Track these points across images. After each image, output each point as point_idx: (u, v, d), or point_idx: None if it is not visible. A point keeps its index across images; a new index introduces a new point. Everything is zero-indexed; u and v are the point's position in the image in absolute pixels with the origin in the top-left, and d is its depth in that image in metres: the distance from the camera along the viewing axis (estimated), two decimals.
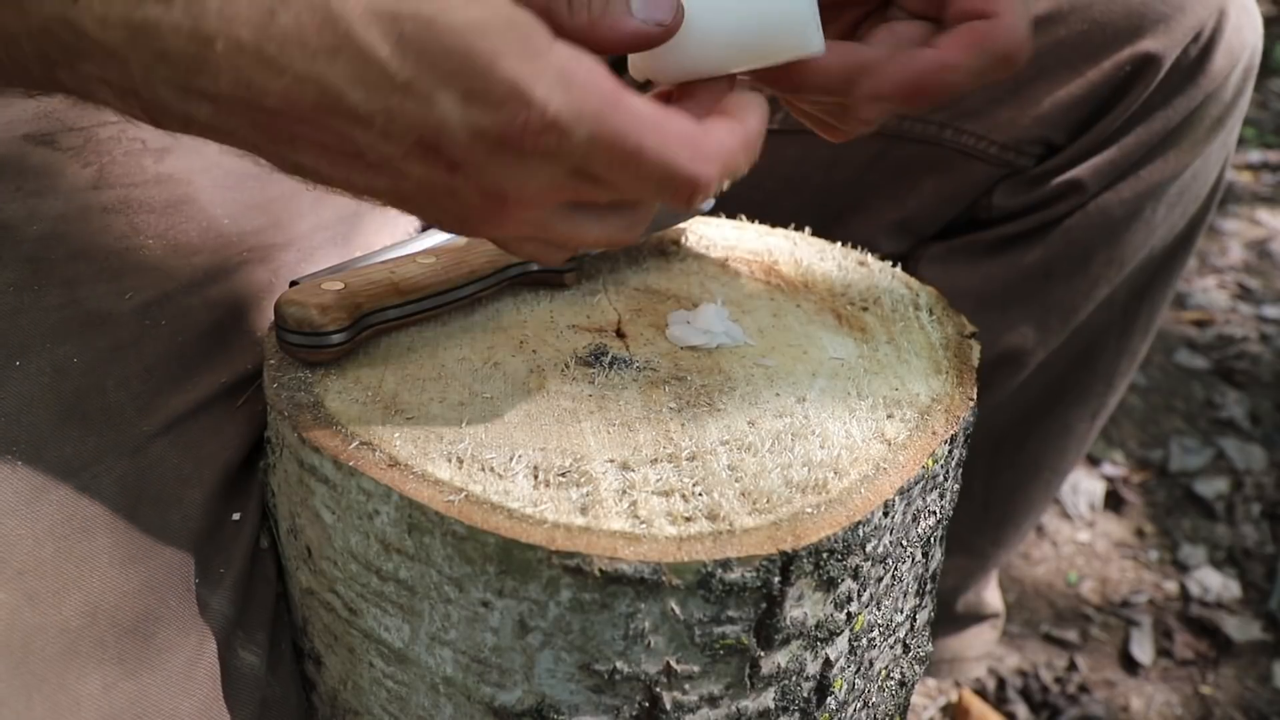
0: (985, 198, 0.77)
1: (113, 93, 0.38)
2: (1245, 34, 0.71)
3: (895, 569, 0.49)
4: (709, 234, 0.67)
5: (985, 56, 0.47)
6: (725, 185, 0.41)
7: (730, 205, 0.66)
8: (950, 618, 1.03)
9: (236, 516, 0.52)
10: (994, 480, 0.91)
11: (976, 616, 1.05)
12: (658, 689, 0.45)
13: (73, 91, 0.39)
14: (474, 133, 0.36)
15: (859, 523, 0.44)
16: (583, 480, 0.44)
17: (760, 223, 0.69)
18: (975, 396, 0.53)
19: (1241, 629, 1.19)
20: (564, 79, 0.36)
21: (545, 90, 0.35)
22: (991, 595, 1.05)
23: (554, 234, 0.42)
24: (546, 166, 0.37)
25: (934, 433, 0.49)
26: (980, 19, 0.47)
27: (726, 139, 0.40)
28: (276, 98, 0.35)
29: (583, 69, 0.36)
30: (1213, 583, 1.26)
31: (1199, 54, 0.69)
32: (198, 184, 0.60)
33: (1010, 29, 0.47)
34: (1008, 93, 0.72)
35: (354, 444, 0.46)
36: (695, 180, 0.38)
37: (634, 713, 0.45)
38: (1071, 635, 1.20)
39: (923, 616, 0.56)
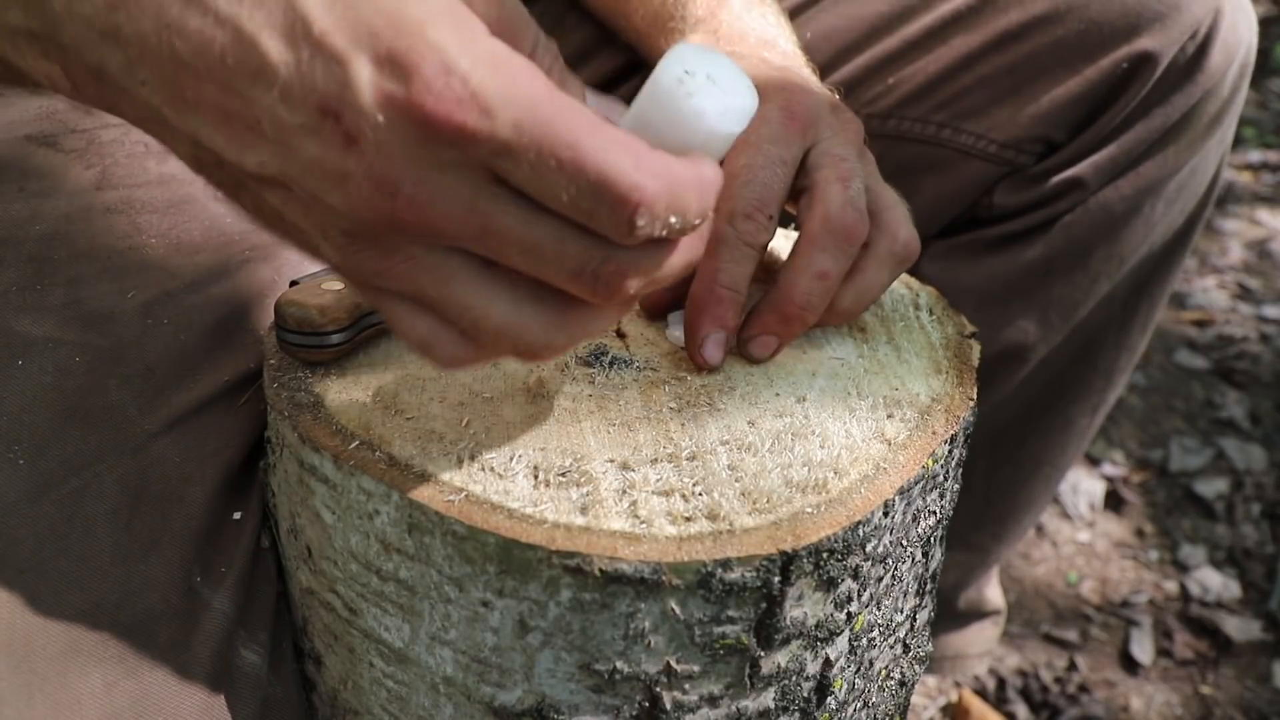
0: (986, 196, 0.77)
1: (35, 47, 0.35)
2: (1241, 32, 0.72)
3: (895, 569, 0.49)
4: None
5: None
6: (673, 225, 0.35)
7: None
8: (952, 614, 1.03)
9: (238, 515, 0.52)
10: (995, 476, 0.91)
11: (978, 613, 1.05)
12: (658, 689, 0.45)
13: (3, 59, 0.37)
14: (382, 97, 0.31)
15: (859, 523, 0.44)
16: (583, 480, 0.45)
17: None
18: (975, 396, 0.53)
19: (1241, 629, 1.19)
20: (495, 61, 0.32)
21: (470, 64, 0.31)
22: (993, 592, 1.06)
23: (449, 302, 0.36)
24: (457, 161, 0.33)
25: (934, 432, 0.49)
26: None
27: (676, 164, 0.35)
28: (190, 42, 0.32)
29: (519, 61, 0.33)
30: (1213, 583, 1.26)
31: (1196, 52, 0.70)
32: (200, 184, 0.60)
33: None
34: (1007, 92, 0.73)
35: (354, 444, 0.46)
36: (636, 191, 0.33)
37: (634, 712, 0.45)
38: (1071, 635, 1.20)
39: (923, 616, 0.56)
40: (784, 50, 0.63)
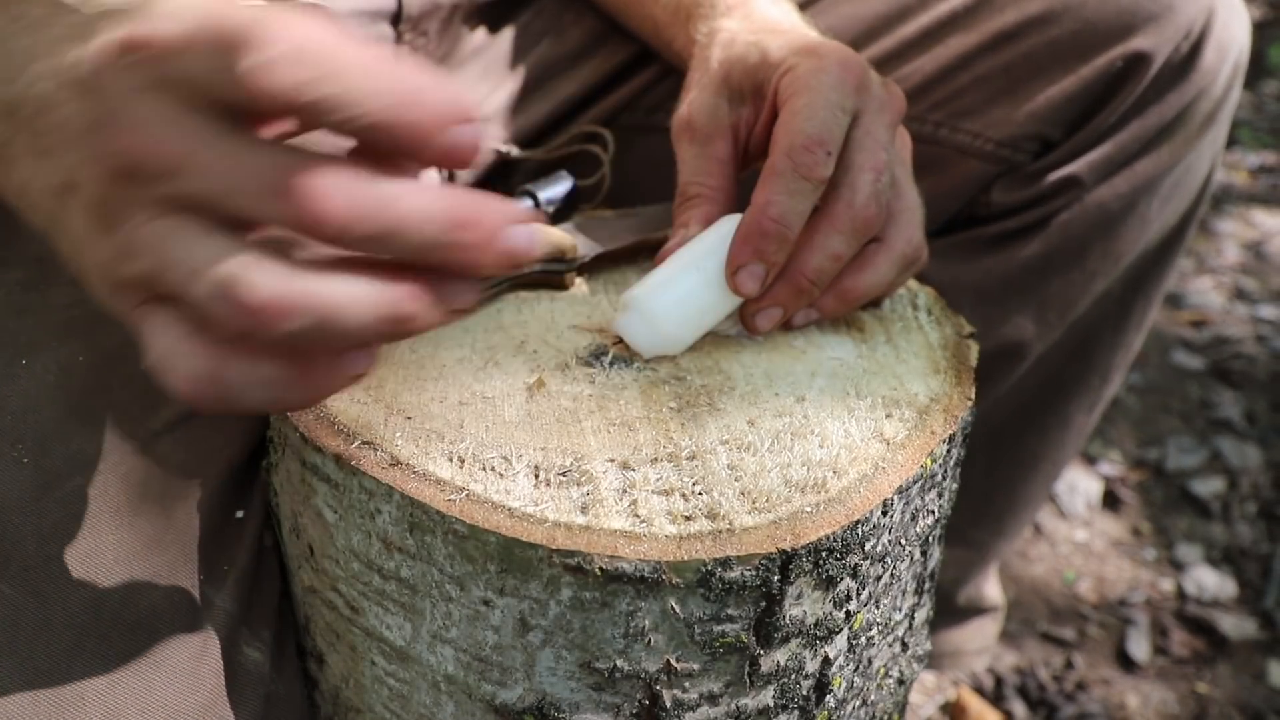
0: (983, 194, 0.77)
1: None
2: (1234, 31, 0.72)
3: (894, 568, 0.49)
4: None
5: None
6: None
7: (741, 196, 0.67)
8: (951, 611, 1.03)
9: (240, 514, 0.52)
10: (993, 472, 0.91)
11: (977, 609, 1.05)
12: (658, 687, 0.45)
13: None
14: (101, 45, 0.33)
15: (858, 522, 0.44)
16: (583, 479, 0.45)
17: None
18: (973, 396, 0.53)
19: (1237, 627, 1.20)
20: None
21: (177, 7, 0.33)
22: (992, 588, 1.06)
23: (171, 264, 0.34)
24: (158, 79, 0.33)
25: (932, 432, 0.49)
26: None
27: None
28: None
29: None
30: (1209, 581, 1.26)
31: (1189, 51, 0.70)
32: None
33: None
34: (1003, 91, 0.73)
35: (355, 443, 0.46)
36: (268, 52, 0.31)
37: (634, 710, 0.45)
38: (1068, 634, 1.20)
39: (921, 615, 0.56)
40: (816, 34, 0.63)
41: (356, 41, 0.33)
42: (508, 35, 0.78)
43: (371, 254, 0.35)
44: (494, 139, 0.75)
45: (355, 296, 0.34)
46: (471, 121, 0.35)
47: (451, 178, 0.74)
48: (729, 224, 0.53)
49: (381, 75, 0.33)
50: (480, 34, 0.78)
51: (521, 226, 0.36)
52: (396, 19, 0.72)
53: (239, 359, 0.35)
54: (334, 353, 0.37)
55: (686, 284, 0.52)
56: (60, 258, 0.38)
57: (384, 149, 0.34)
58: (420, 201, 0.34)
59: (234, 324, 0.33)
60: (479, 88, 0.76)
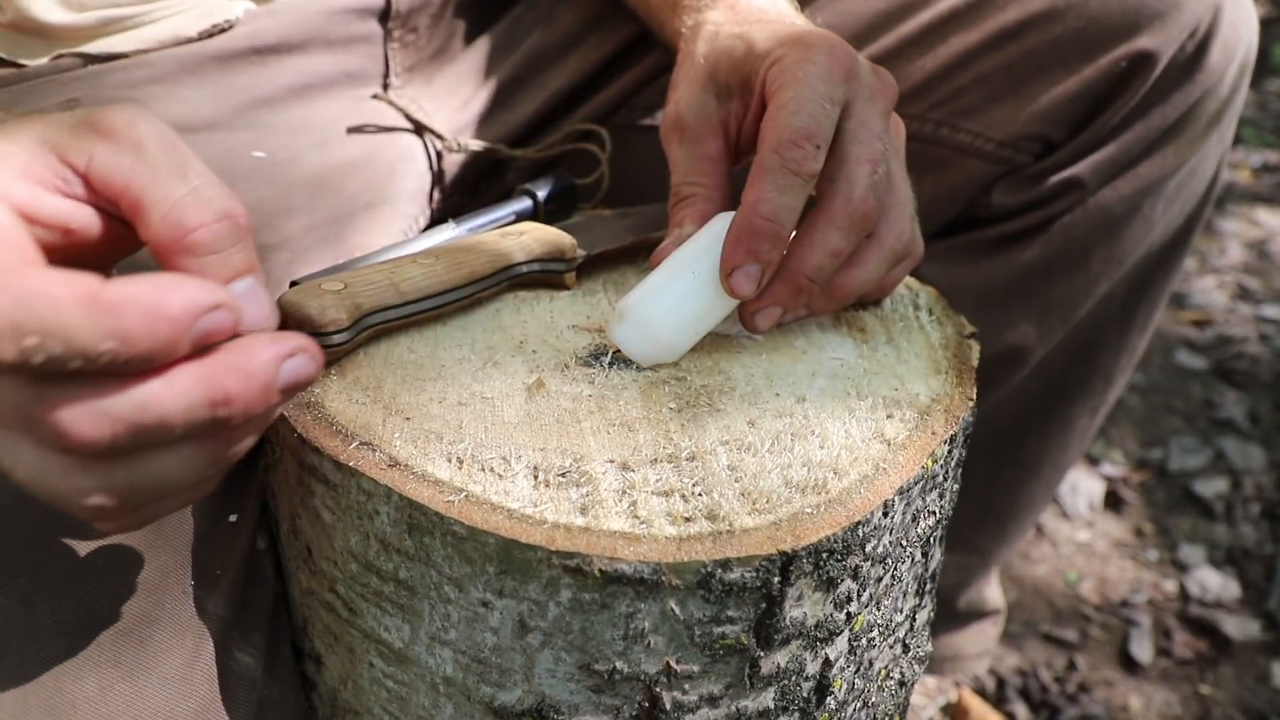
0: (984, 196, 0.77)
1: None
2: (1240, 30, 0.71)
3: (895, 569, 0.49)
4: None
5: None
6: (109, 350, 0.34)
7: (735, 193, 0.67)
8: (951, 615, 1.03)
9: (233, 518, 0.52)
10: (995, 477, 0.91)
11: (978, 613, 1.05)
12: (657, 689, 0.45)
13: None
14: None
15: (858, 523, 0.44)
16: (582, 480, 0.44)
17: None
18: (975, 396, 0.53)
19: (1240, 628, 1.19)
20: None
21: None
22: (993, 592, 1.06)
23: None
24: None
25: (933, 433, 0.49)
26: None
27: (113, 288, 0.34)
28: None
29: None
30: (1212, 582, 1.26)
31: (1195, 50, 0.69)
32: None
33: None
34: (1005, 90, 0.73)
35: (354, 444, 0.46)
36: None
37: (634, 712, 0.45)
38: (1071, 635, 1.20)
39: (922, 616, 0.56)
40: (803, 23, 0.63)
41: (67, 279, 0.34)
42: (499, 30, 0.78)
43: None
44: (482, 139, 0.74)
45: (173, 392, 0.35)
46: (217, 308, 0.36)
47: (440, 176, 0.73)
48: (722, 223, 0.52)
49: (100, 313, 0.33)
50: (471, 29, 0.77)
51: (289, 362, 0.38)
52: (385, 15, 0.71)
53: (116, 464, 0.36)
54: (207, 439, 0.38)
55: (681, 289, 0.52)
56: None
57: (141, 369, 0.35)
58: (175, 394, 0.35)
59: (80, 453, 0.35)
60: (469, 83, 0.76)
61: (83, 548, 0.46)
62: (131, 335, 0.33)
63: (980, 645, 1.07)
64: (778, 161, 0.50)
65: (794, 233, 0.52)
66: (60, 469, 0.36)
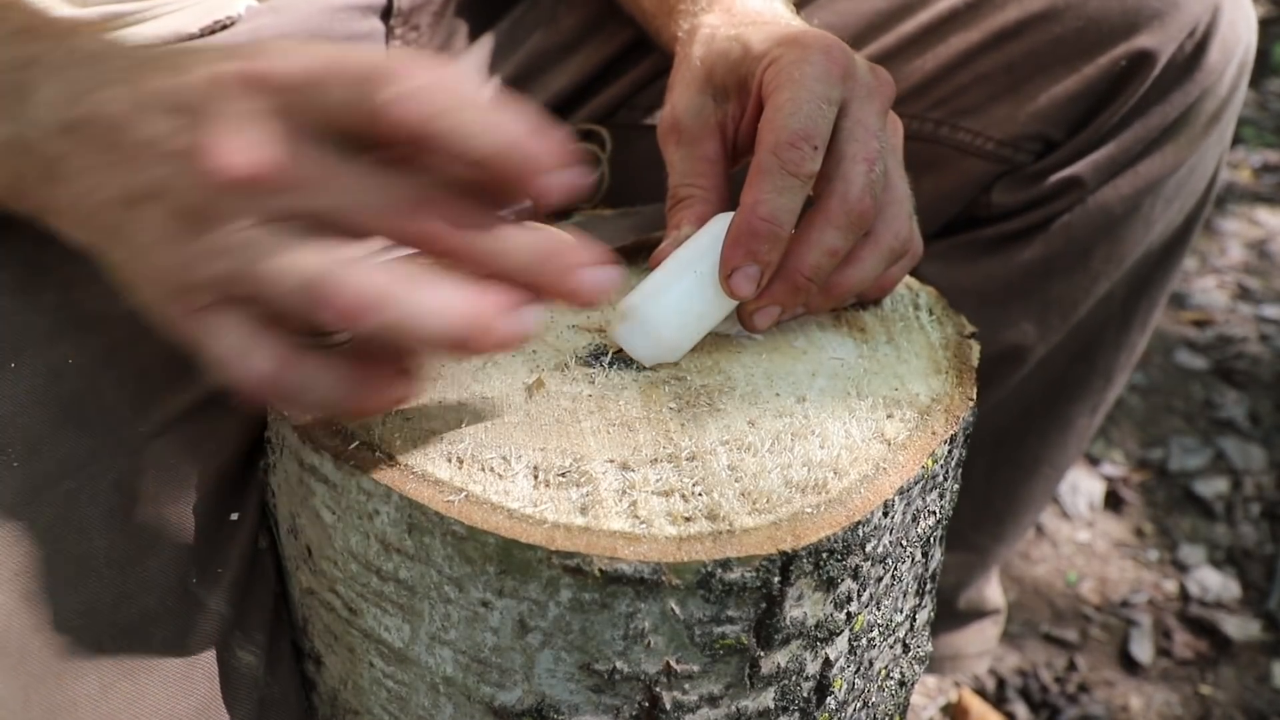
0: (984, 195, 0.77)
1: None
2: (1240, 29, 0.71)
3: (895, 569, 0.49)
4: None
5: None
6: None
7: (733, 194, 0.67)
8: (952, 614, 1.03)
9: (234, 517, 0.52)
10: (995, 476, 0.91)
11: (978, 613, 1.05)
12: (657, 689, 0.45)
13: None
14: (208, 75, 0.38)
15: (859, 523, 0.44)
16: (582, 480, 0.44)
17: None
18: (975, 396, 0.53)
19: (1241, 629, 1.19)
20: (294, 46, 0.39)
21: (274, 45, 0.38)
22: (993, 592, 1.06)
23: (260, 263, 0.37)
24: (269, 109, 0.37)
25: (934, 433, 0.49)
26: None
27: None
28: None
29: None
30: (1212, 582, 1.26)
31: (1194, 50, 0.70)
32: None
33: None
34: (1004, 89, 0.73)
35: (354, 444, 0.46)
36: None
37: (634, 712, 0.45)
38: (1071, 635, 1.20)
39: (922, 616, 0.56)
40: (799, 24, 0.63)
41: (474, 85, 0.38)
42: (500, 29, 0.78)
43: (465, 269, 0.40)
44: None
45: (437, 303, 0.38)
46: (568, 167, 0.39)
47: None
48: (721, 223, 0.52)
49: (497, 117, 0.38)
50: (473, 28, 0.77)
51: (602, 269, 0.41)
52: (388, 13, 0.71)
53: (307, 359, 0.39)
54: (397, 364, 0.41)
55: (682, 288, 0.52)
56: (102, 266, 0.42)
57: (487, 182, 0.39)
58: (520, 234, 0.40)
59: (317, 319, 0.37)
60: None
61: (84, 546, 0.46)
62: (513, 146, 0.38)
63: (980, 645, 1.07)
64: (775, 163, 0.51)
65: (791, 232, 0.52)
66: (264, 353, 0.38)
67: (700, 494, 0.44)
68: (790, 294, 0.53)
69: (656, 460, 0.46)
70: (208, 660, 0.48)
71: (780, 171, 0.50)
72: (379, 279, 0.37)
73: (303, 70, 0.38)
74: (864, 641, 0.49)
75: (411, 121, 0.37)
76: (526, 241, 0.40)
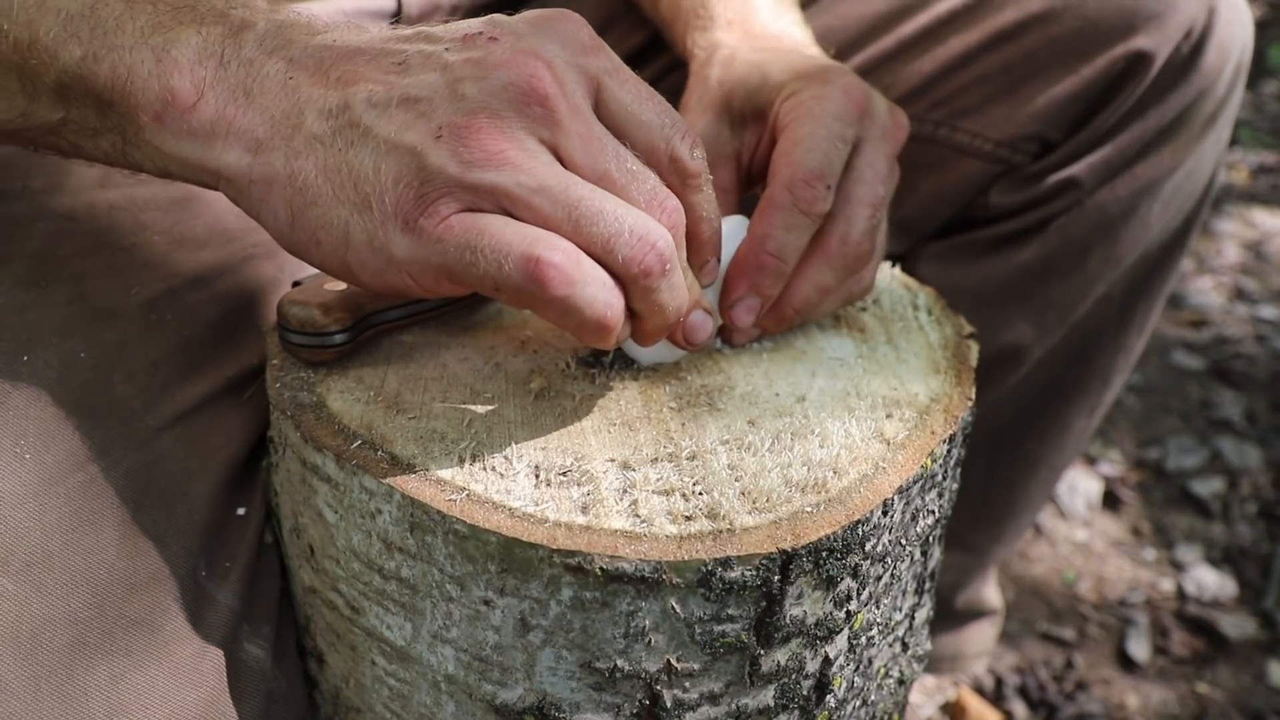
0: (982, 196, 0.77)
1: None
2: (1236, 31, 0.72)
3: (894, 568, 0.49)
4: None
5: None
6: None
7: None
8: (949, 614, 1.03)
9: (242, 511, 0.52)
10: (993, 476, 0.91)
11: (976, 613, 1.05)
12: (658, 687, 0.45)
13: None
14: (525, 18, 0.43)
15: (858, 522, 0.44)
16: (584, 479, 0.45)
17: None
18: (974, 396, 0.53)
19: (1237, 627, 1.20)
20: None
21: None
22: (990, 592, 1.06)
23: (554, 187, 0.41)
24: (579, 64, 0.42)
25: (933, 432, 0.49)
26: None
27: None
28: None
29: None
30: (1209, 581, 1.26)
31: (1191, 51, 0.70)
32: None
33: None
34: (1003, 91, 0.73)
35: (356, 443, 0.46)
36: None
37: (635, 710, 0.45)
38: (1068, 634, 1.20)
39: (921, 615, 0.56)
40: (820, 55, 0.63)
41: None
42: None
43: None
44: None
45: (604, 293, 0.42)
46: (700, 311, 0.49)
47: None
48: (725, 227, 0.53)
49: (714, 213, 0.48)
50: None
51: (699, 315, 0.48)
52: (396, 18, 0.72)
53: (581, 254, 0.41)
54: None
55: None
56: (249, 197, 0.43)
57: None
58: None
59: (637, 267, 0.42)
60: None
61: (95, 538, 0.46)
62: None
63: (978, 645, 1.07)
64: (789, 199, 0.51)
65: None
66: (552, 240, 0.41)
67: (700, 493, 0.44)
68: (775, 322, 0.54)
69: (657, 459, 0.46)
70: (216, 653, 0.48)
71: (792, 208, 0.51)
72: (671, 243, 0.43)
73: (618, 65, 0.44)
74: (863, 640, 0.49)
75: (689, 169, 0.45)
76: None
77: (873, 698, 0.54)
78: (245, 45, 0.42)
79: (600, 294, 0.41)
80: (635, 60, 0.79)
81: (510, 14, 0.45)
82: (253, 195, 0.43)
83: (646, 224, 0.42)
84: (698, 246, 0.48)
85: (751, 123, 0.59)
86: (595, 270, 0.41)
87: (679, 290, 0.44)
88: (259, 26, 0.43)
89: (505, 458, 0.45)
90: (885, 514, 0.46)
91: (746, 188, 0.61)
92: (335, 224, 0.41)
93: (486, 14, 0.45)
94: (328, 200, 0.41)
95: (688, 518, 0.43)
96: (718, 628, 0.44)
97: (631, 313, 0.44)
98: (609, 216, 0.41)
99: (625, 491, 0.44)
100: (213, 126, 0.42)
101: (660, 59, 0.78)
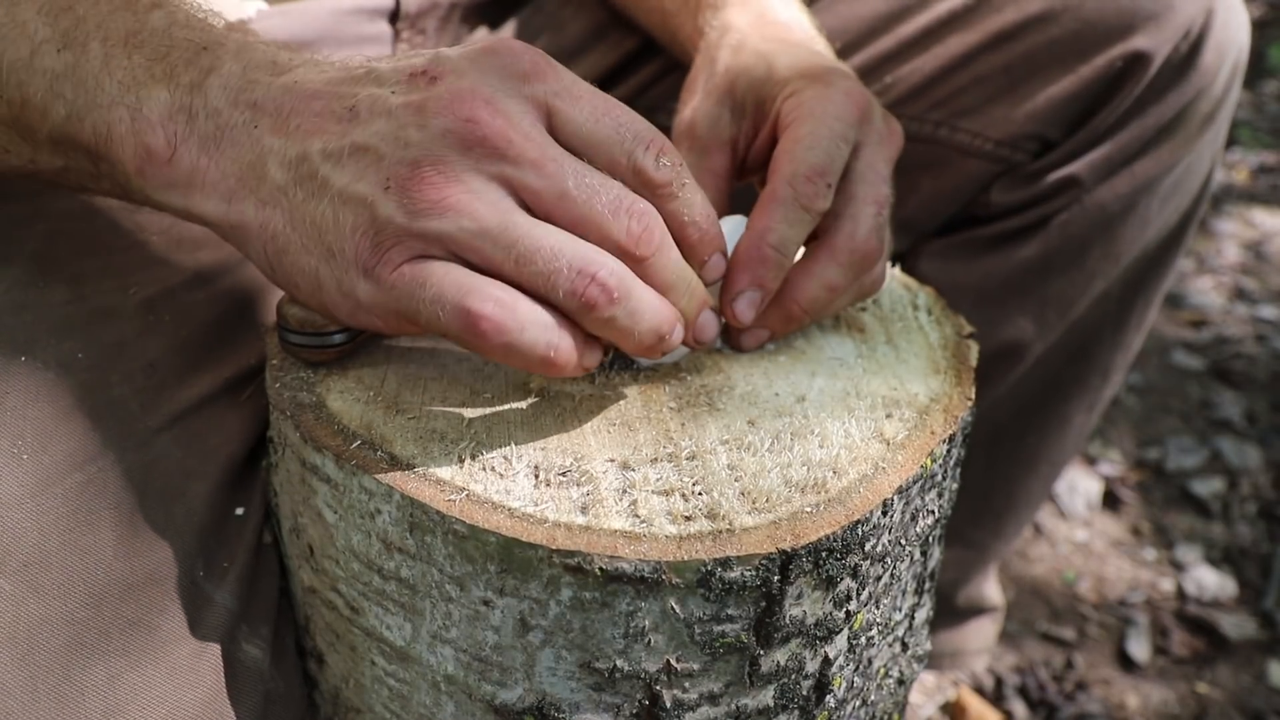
0: (983, 194, 0.77)
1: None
2: (1233, 31, 0.72)
3: (894, 568, 0.49)
4: None
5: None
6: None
7: (731, 205, 0.67)
8: (950, 611, 1.03)
9: (240, 511, 0.52)
10: (993, 473, 0.91)
11: (977, 610, 1.05)
12: (658, 687, 0.45)
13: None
14: (468, 52, 0.43)
15: (858, 522, 0.44)
16: (583, 479, 0.45)
17: None
18: (974, 396, 0.53)
19: (1237, 627, 1.20)
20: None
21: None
22: (991, 589, 1.06)
23: (501, 231, 0.41)
24: (522, 94, 0.43)
25: (932, 432, 0.49)
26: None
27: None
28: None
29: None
30: (1209, 581, 1.26)
31: (1189, 51, 0.70)
32: None
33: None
34: (1003, 90, 0.73)
35: (356, 443, 0.46)
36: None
37: (634, 710, 0.45)
38: (1068, 633, 1.20)
39: (921, 615, 0.56)
40: (826, 51, 0.63)
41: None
42: (506, 32, 0.78)
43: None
44: None
45: (653, 302, 0.45)
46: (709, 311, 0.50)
47: None
48: (724, 226, 0.53)
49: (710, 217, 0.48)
50: (479, 32, 0.78)
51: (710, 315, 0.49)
52: (394, 16, 0.72)
53: (521, 299, 0.42)
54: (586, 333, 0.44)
55: None
56: (227, 232, 0.45)
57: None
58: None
59: (555, 292, 0.42)
60: None
61: (92, 538, 0.46)
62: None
63: (979, 642, 1.07)
64: (790, 194, 0.51)
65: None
66: (489, 290, 0.42)
67: (700, 493, 0.44)
68: (783, 321, 0.54)
69: (657, 459, 0.46)
70: (214, 653, 0.48)
71: (794, 203, 0.51)
72: (619, 267, 0.42)
73: (572, 84, 0.44)
74: (863, 640, 0.49)
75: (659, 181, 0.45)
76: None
77: (872, 698, 0.54)
78: (212, 94, 0.44)
79: (541, 336, 0.42)
80: (628, 66, 0.79)
81: (493, 24, 0.45)
82: (235, 240, 0.45)
83: (586, 255, 0.42)
84: (689, 249, 0.48)
85: (751, 112, 0.59)
86: (534, 313, 0.42)
87: (645, 311, 0.44)
88: (224, 69, 0.44)
89: (505, 458, 0.45)
90: (885, 514, 0.46)
91: (740, 177, 0.61)
92: (307, 270, 0.43)
93: (488, 11, 0.46)
94: (297, 249, 0.43)
95: (687, 518, 0.43)
96: (717, 628, 0.44)
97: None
98: (545, 253, 0.41)
99: (625, 492, 0.44)
100: (189, 178, 0.44)
101: (654, 63, 0.78)
